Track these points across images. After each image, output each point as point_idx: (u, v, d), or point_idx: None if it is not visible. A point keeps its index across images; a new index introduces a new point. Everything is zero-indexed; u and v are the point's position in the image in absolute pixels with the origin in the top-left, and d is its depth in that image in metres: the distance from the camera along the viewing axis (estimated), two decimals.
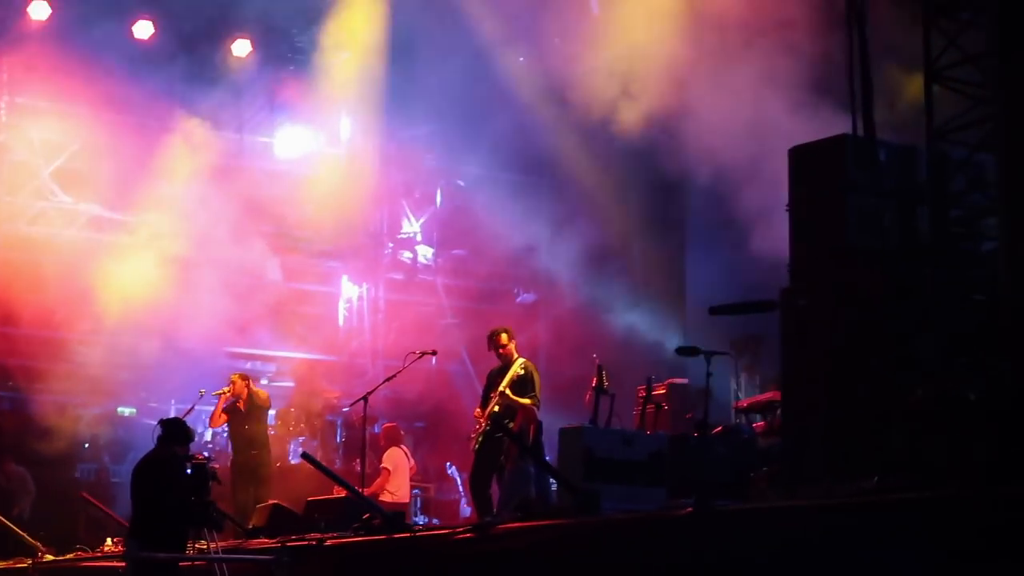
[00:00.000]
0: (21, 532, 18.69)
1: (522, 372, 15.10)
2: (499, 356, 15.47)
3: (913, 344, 11.57)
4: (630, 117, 20.01)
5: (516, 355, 15.37)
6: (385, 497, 18.07)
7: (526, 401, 14.94)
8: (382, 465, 18.76)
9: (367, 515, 13.85)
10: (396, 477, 18.65)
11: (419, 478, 21.66)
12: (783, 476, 11.95)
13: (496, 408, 15.06)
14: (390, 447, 19.02)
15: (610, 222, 23.14)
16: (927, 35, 12.25)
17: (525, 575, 10.97)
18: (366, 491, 18.29)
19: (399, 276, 26.72)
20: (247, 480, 18.69)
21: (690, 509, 9.87)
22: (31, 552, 17.64)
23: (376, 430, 21.00)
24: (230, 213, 23.85)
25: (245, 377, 19.43)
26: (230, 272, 23.99)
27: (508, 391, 15.01)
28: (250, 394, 19.07)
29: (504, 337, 15.47)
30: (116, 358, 22.53)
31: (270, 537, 14.93)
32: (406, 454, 19.16)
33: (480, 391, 16.30)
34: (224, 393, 19.06)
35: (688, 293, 23.05)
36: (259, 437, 19.12)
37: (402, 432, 20.29)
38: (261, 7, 23.45)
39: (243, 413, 18.98)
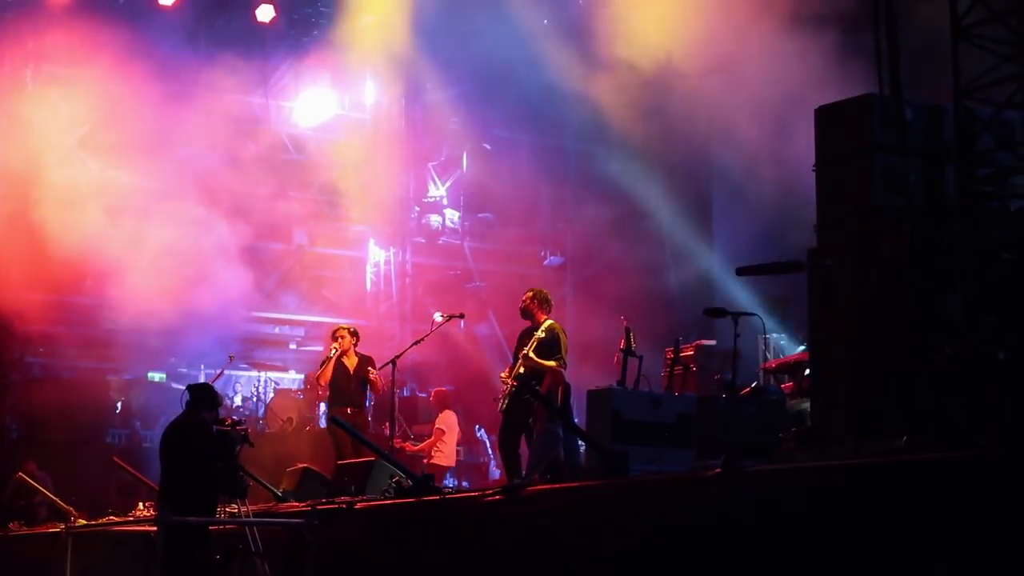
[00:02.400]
0: (53, 497, 18.84)
1: (544, 335, 15.06)
2: (529, 317, 15.47)
3: (941, 303, 11.54)
4: (656, 77, 19.99)
5: (544, 318, 15.37)
6: (439, 460, 18.34)
7: (550, 363, 14.93)
8: (436, 426, 18.90)
9: (396, 478, 13.91)
10: (450, 439, 18.88)
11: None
12: (811, 437, 11.95)
13: (522, 370, 15.07)
14: (443, 410, 19.21)
15: (637, 183, 23.11)
16: None
17: (554, 537, 10.99)
18: (417, 447, 18.50)
19: (426, 240, 26.78)
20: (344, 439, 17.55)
21: (718, 470, 9.88)
22: (63, 517, 17.75)
23: (405, 393, 21.15)
24: (256, 179, 23.93)
25: (354, 332, 18.27)
26: (257, 237, 24.09)
27: (532, 354, 15.02)
28: (355, 351, 18.07)
29: (528, 295, 15.47)
30: (145, 324, 22.63)
31: (300, 501, 15.00)
32: (456, 416, 19.39)
33: (508, 353, 16.31)
34: (336, 350, 17.96)
35: (715, 254, 23.03)
36: (357, 396, 17.93)
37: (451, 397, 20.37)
38: None
39: (347, 369, 17.95)
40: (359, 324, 25.09)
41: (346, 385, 17.86)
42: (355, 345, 18.00)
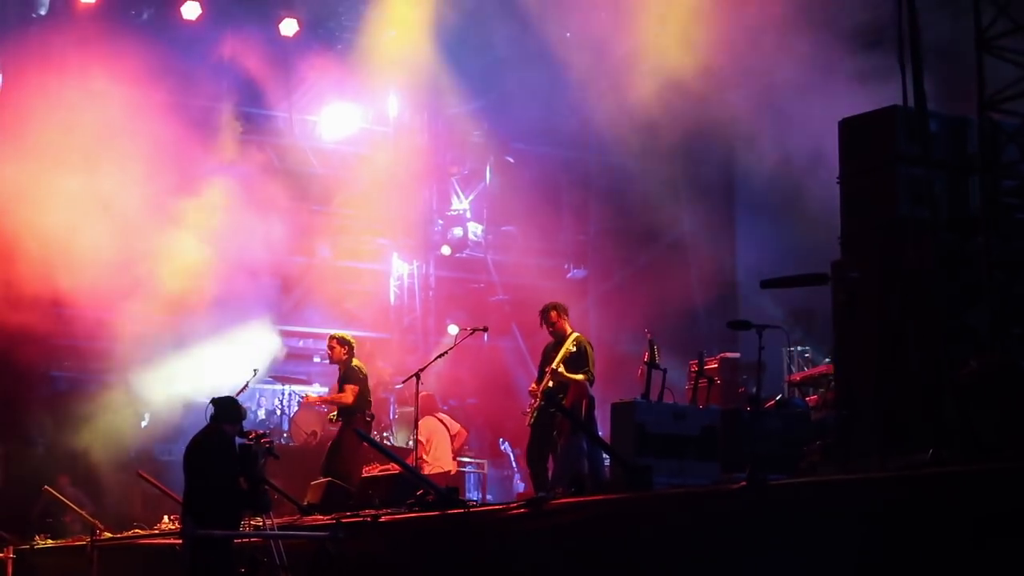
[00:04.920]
0: (80, 510, 18.89)
1: (574, 348, 15.09)
2: (551, 332, 15.47)
3: (966, 316, 11.51)
4: (679, 90, 19.98)
5: (569, 330, 15.35)
6: (426, 469, 18.16)
7: (579, 377, 14.92)
8: (417, 437, 18.78)
9: (421, 491, 13.91)
10: (433, 448, 18.71)
11: (471, 452, 21.78)
12: (836, 450, 11.92)
13: (550, 384, 15.06)
14: (423, 417, 18.96)
15: (660, 196, 23.09)
16: (977, 5, 12.16)
17: (578, 550, 10.99)
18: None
19: (449, 253, 26.77)
20: (333, 456, 17.20)
21: (743, 483, 9.86)
22: (89, 530, 17.80)
23: None
24: (280, 192, 23.97)
25: (343, 342, 17.59)
26: (281, 251, 24.12)
27: (561, 368, 15.01)
28: (348, 362, 17.45)
29: (554, 314, 15.44)
30: (169, 337, 22.68)
31: (324, 514, 15.01)
32: (442, 421, 19.15)
33: (531, 366, 16.27)
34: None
35: (739, 266, 23.01)
36: (343, 410, 17.38)
37: (438, 400, 20.13)
38: None
39: (340, 382, 17.63)
40: (382, 337, 25.30)
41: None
42: (348, 355, 17.52)
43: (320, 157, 25.97)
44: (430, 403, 19.43)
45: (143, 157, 23.12)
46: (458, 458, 20.29)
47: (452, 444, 19.35)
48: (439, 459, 18.76)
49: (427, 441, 18.82)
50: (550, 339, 15.57)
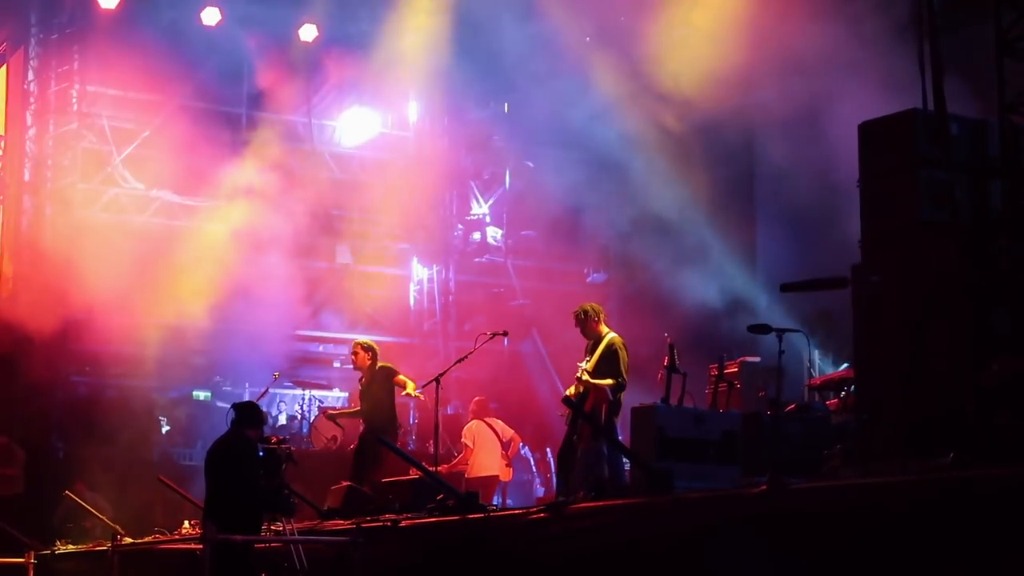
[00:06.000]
0: (101, 516, 18.92)
1: (602, 351, 14.98)
2: (584, 335, 15.35)
3: (987, 319, 11.46)
4: (700, 93, 19.97)
5: (604, 332, 15.23)
6: (476, 471, 18.19)
7: (606, 382, 14.78)
8: (462, 440, 18.82)
9: (441, 496, 13.90)
10: (479, 452, 18.69)
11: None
12: (857, 453, 11.88)
13: (581, 389, 14.94)
14: (471, 421, 19.01)
15: (680, 200, 23.03)
16: (998, 7, 12.12)
17: (599, 555, 10.97)
18: (449, 467, 18.32)
19: (469, 258, 26.77)
20: (361, 462, 17.47)
21: (763, 487, 9.84)
22: (110, 535, 17.82)
23: (449, 411, 21.03)
24: (299, 197, 24.00)
25: (368, 348, 18.01)
26: (301, 256, 24.15)
27: (585, 376, 14.91)
28: (372, 367, 17.82)
29: (583, 315, 15.33)
30: (190, 343, 22.72)
31: (345, 519, 15.01)
32: (492, 427, 19.07)
33: (551, 371, 16.22)
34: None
35: (759, 270, 22.94)
36: (375, 417, 17.71)
37: (489, 405, 20.07)
38: None
39: (363, 387, 17.97)
40: (402, 342, 25.28)
41: (364, 405, 17.98)
42: (372, 361, 17.82)
43: (340, 162, 26.01)
44: (478, 408, 19.44)
45: (162, 162, 23.24)
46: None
47: (507, 451, 19.21)
48: (482, 463, 18.72)
49: (474, 446, 18.85)
50: (568, 343, 15.49)
